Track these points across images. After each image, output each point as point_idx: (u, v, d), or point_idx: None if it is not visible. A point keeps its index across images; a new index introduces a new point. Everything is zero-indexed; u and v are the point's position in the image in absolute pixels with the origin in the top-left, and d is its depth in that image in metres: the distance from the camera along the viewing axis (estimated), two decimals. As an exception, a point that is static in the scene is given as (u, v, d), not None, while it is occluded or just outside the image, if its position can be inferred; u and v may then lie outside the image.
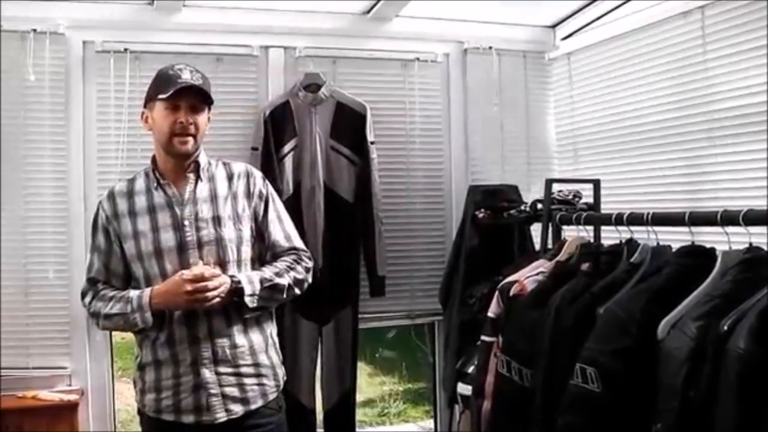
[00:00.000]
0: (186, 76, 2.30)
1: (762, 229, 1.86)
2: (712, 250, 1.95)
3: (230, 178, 2.43)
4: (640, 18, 3.21)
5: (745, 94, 2.71)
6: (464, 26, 3.69)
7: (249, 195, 2.42)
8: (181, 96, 2.28)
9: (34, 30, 3.10)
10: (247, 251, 2.38)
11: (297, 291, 2.42)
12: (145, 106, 2.38)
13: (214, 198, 2.37)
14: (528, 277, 2.46)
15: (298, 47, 3.47)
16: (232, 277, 2.27)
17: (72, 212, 3.20)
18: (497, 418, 2.41)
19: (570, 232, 2.73)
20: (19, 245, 3.13)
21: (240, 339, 2.32)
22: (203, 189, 2.37)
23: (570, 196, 2.98)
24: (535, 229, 3.21)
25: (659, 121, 3.11)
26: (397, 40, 3.62)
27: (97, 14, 3.22)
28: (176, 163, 2.36)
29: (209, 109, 2.39)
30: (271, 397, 2.38)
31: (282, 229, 2.46)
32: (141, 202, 2.35)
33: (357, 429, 3.66)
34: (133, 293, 2.28)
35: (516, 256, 3.17)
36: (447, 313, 3.48)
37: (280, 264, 2.40)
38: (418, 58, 3.64)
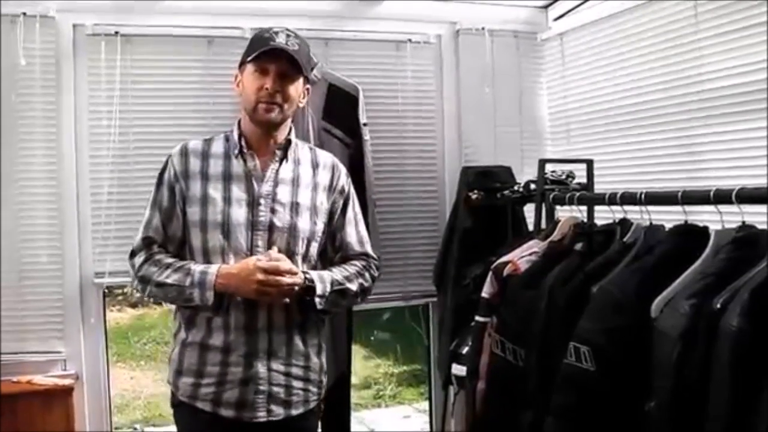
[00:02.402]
0: (279, 40, 2.17)
1: (754, 207, 1.87)
2: (705, 229, 1.95)
3: (315, 166, 2.32)
4: (632, -2, 3.21)
5: (738, 73, 2.70)
6: (456, 7, 3.68)
7: (331, 189, 2.32)
8: (271, 60, 2.16)
9: (24, 13, 3.08)
10: (315, 247, 2.28)
11: (360, 300, 2.35)
12: (239, 68, 2.27)
13: (296, 182, 2.25)
14: (521, 257, 2.46)
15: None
16: (305, 273, 2.17)
17: (64, 197, 3.19)
18: (492, 398, 2.42)
19: (563, 213, 2.73)
20: (12, 230, 3.12)
21: (297, 338, 2.22)
22: (287, 170, 2.25)
23: (563, 177, 2.98)
24: (529, 210, 3.21)
25: (652, 100, 3.11)
26: (389, 21, 3.61)
27: (87, -3, 3.19)
28: (262, 133, 2.24)
29: (307, 80, 2.27)
30: (313, 405, 2.30)
31: (356, 231, 2.36)
32: (217, 166, 2.22)
33: (353, 411, 3.67)
34: (196, 266, 2.15)
35: (510, 236, 3.16)
36: (441, 295, 3.49)
37: (351, 268, 2.30)
38: (410, 40, 3.63)
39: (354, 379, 4.73)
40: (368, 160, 3.37)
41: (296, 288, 2.13)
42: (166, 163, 2.26)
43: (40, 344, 3.16)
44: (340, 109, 3.34)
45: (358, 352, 6.94)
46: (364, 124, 3.37)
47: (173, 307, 2.35)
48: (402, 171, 3.66)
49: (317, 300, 2.17)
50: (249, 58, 2.18)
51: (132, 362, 7.13)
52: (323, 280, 2.20)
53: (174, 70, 3.33)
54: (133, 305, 7.77)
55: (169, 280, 2.14)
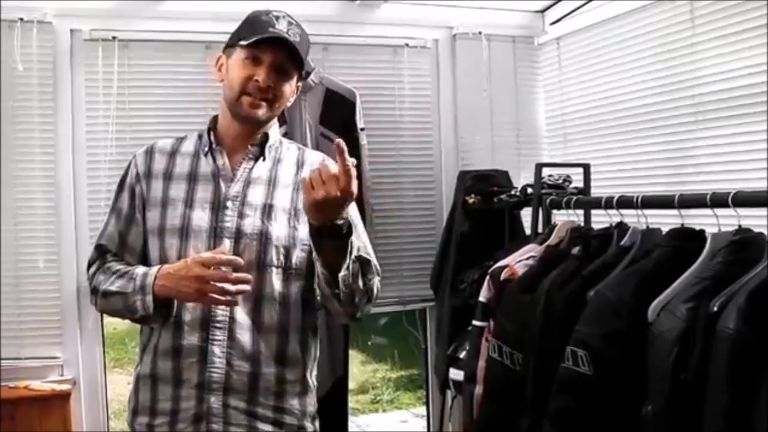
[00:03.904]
0: (281, 26, 1.88)
1: (751, 211, 1.87)
2: (702, 233, 1.96)
3: (300, 164, 2.00)
4: (629, 2, 3.20)
5: (735, 77, 2.71)
6: (453, 12, 3.68)
7: None
8: (267, 49, 1.86)
9: (21, 19, 3.07)
10: (300, 257, 1.92)
11: (366, 301, 1.90)
12: (223, 51, 1.98)
13: (272, 182, 1.93)
14: (518, 261, 2.47)
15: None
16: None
17: (61, 202, 3.18)
18: (489, 402, 2.42)
19: (560, 217, 2.74)
20: (9, 235, 3.11)
21: (266, 367, 1.88)
22: (262, 169, 1.94)
23: (560, 181, 2.99)
24: (526, 214, 3.22)
25: (649, 104, 3.12)
26: (387, 26, 3.61)
27: (85, 2, 3.19)
28: (241, 129, 1.94)
29: (300, 77, 1.98)
30: None
31: (356, 236, 1.89)
32: (183, 165, 1.94)
33: (350, 416, 3.67)
34: (141, 269, 1.84)
35: (507, 241, 3.17)
36: (438, 299, 3.49)
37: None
38: (407, 44, 3.63)
39: (351, 384, 4.74)
40: (365, 164, 3.37)
41: (245, 286, 1.75)
42: (129, 163, 2.00)
43: (37, 349, 3.15)
44: (338, 114, 3.34)
45: (355, 356, 6.95)
46: (362, 129, 3.37)
47: None
48: (399, 176, 3.65)
49: (342, 222, 1.75)
50: (244, 43, 1.87)
51: (129, 368, 7.11)
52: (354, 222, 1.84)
53: (171, 75, 3.33)
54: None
55: (113, 288, 1.85)
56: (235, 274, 1.73)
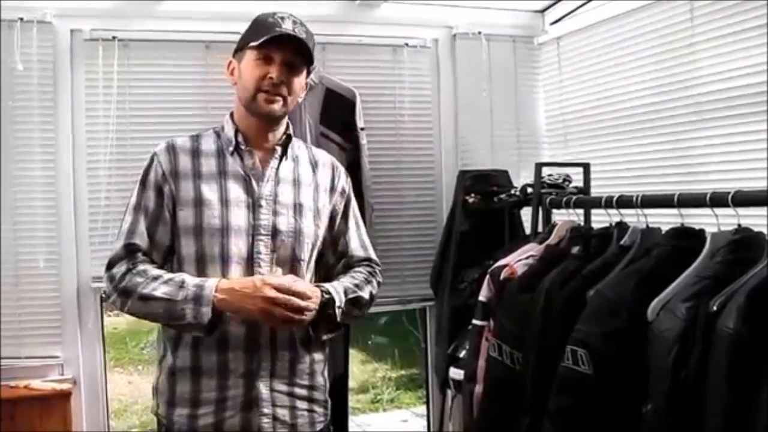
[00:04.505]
0: (287, 26, 1.98)
1: (750, 210, 1.87)
2: (702, 232, 1.96)
3: (315, 165, 2.14)
4: (629, 2, 3.21)
5: (734, 77, 2.71)
6: (453, 11, 3.69)
7: (332, 190, 2.15)
8: (277, 47, 1.97)
9: (21, 19, 3.07)
10: (314, 253, 2.10)
11: (367, 309, 2.14)
12: (234, 55, 2.09)
13: (297, 182, 2.06)
14: (518, 261, 2.47)
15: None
16: (318, 286, 1.98)
17: (61, 201, 3.18)
18: (489, 401, 2.42)
19: (560, 216, 2.74)
20: (8, 234, 3.11)
21: (302, 355, 2.04)
22: (287, 169, 2.06)
23: (560, 180, 2.99)
24: (526, 214, 3.22)
25: (649, 104, 3.12)
26: (387, 25, 3.61)
27: (85, 2, 3.19)
28: (260, 127, 2.04)
29: (308, 72, 2.11)
30: (319, 426, 2.10)
31: (359, 236, 2.20)
32: (209, 165, 2.00)
33: (350, 416, 3.67)
34: (191, 278, 1.90)
35: (507, 240, 3.17)
36: (438, 299, 3.49)
37: (358, 276, 2.13)
38: (407, 44, 3.63)
39: (352, 384, 4.74)
40: (365, 164, 3.36)
41: (309, 313, 1.92)
42: (151, 161, 2.02)
43: (37, 349, 3.15)
44: (338, 114, 3.33)
45: (355, 356, 6.94)
46: (362, 129, 3.37)
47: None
48: (399, 175, 3.65)
49: (337, 311, 1.98)
50: (254, 44, 1.98)
51: (130, 367, 7.12)
52: (337, 290, 2.01)
53: (171, 75, 3.33)
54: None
55: (157, 293, 1.87)
56: (300, 303, 1.88)
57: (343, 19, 3.55)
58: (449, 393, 3.27)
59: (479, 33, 3.70)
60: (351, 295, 2.04)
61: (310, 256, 2.07)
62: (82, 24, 3.20)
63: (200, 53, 3.30)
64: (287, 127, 2.12)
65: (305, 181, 2.09)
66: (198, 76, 3.32)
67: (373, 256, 2.23)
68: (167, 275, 1.92)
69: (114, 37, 3.22)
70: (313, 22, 3.40)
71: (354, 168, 3.33)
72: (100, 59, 3.21)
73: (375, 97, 3.58)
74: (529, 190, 3.00)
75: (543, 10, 3.80)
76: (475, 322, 2.57)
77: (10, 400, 2.99)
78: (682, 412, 1.65)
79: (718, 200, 1.91)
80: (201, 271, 1.95)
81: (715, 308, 1.62)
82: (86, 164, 3.23)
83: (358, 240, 2.21)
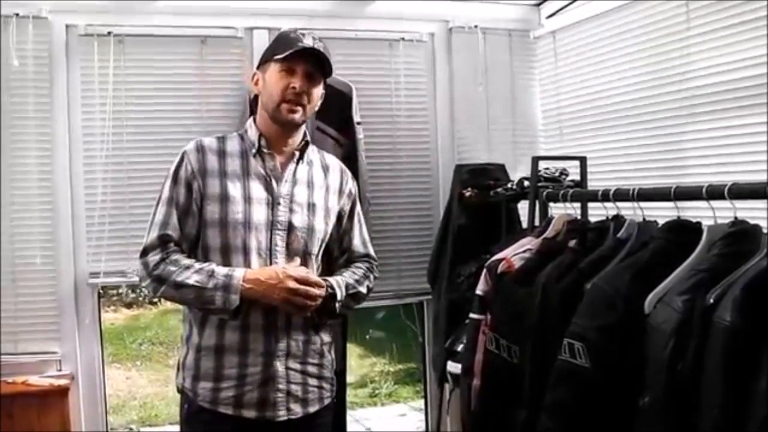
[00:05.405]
0: (308, 41, 2.19)
1: (746, 203, 1.87)
2: (698, 225, 1.96)
3: (326, 168, 2.37)
4: (625, -5, 3.21)
5: (729, 70, 2.71)
6: (449, 5, 3.69)
7: (341, 192, 2.38)
8: (299, 60, 2.18)
9: (17, 14, 3.07)
10: (322, 247, 2.33)
11: (363, 301, 2.42)
12: (258, 68, 2.31)
13: (311, 183, 2.30)
14: (515, 254, 2.46)
15: (283, 28, 3.44)
16: (325, 280, 2.22)
17: (58, 197, 3.19)
18: (486, 395, 2.42)
19: (557, 210, 2.74)
20: (5, 231, 3.11)
21: (313, 337, 2.26)
22: (302, 171, 2.30)
23: (556, 174, 2.99)
24: (522, 207, 3.22)
25: (645, 97, 3.12)
26: (382, 20, 3.61)
27: (80, -2, 3.19)
28: (281, 133, 2.26)
29: (325, 84, 2.30)
30: (327, 401, 2.33)
31: (360, 234, 2.44)
32: (234, 164, 2.22)
33: (348, 410, 3.67)
34: (220, 268, 2.13)
35: (503, 234, 3.17)
36: (435, 293, 3.50)
37: (358, 271, 2.37)
38: (403, 38, 3.63)
39: (350, 378, 4.74)
40: (362, 158, 3.37)
41: (319, 300, 2.17)
42: (182, 159, 2.22)
43: (35, 345, 3.16)
44: (334, 108, 3.32)
45: (353, 350, 6.95)
46: (358, 123, 3.37)
47: (180, 307, 2.37)
48: (395, 169, 3.66)
49: (337, 305, 2.23)
50: (278, 57, 2.18)
51: (128, 363, 7.13)
52: (340, 285, 2.25)
53: (167, 70, 3.33)
54: (128, 305, 7.77)
55: (189, 281, 2.10)
56: (313, 291, 2.14)
57: (340, 14, 3.55)
58: (447, 387, 3.28)
59: (475, 27, 3.70)
60: (351, 291, 2.29)
61: (319, 249, 2.30)
62: (77, 19, 3.20)
63: (196, 48, 3.30)
64: (305, 134, 2.33)
65: (318, 183, 2.31)
66: (193, 71, 3.32)
67: (372, 252, 2.47)
68: (198, 265, 2.14)
69: (109, 33, 3.22)
70: (309, 17, 3.46)
71: (350, 162, 3.33)
72: (95, 54, 3.21)
73: (371, 91, 3.57)
74: (526, 183, 3.00)
75: (539, 4, 3.79)
76: (472, 315, 2.57)
77: (9, 396, 2.99)
78: (679, 404, 1.65)
79: (714, 193, 1.90)
80: (225, 259, 2.17)
81: (711, 301, 1.62)
82: (82, 159, 3.23)
83: (359, 237, 2.44)
